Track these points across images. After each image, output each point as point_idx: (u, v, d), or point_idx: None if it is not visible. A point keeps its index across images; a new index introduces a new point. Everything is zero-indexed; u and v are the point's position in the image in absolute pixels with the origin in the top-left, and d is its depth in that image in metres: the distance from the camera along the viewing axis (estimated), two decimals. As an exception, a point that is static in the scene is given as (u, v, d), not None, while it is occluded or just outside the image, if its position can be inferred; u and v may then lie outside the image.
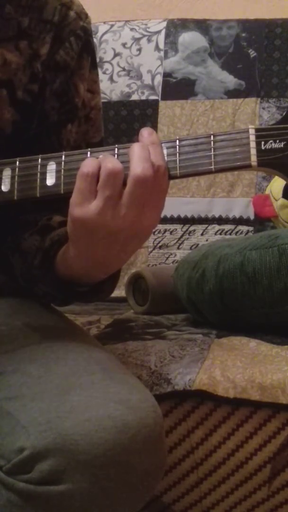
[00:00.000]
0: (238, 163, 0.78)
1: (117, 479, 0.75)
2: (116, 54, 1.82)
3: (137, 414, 0.77)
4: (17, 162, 0.82)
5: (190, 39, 1.80)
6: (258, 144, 0.77)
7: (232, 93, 1.75)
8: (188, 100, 1.77)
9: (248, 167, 0.78)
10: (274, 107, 1.72)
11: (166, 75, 1.79)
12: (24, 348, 0.87)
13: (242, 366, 1.06)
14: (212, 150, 0.78)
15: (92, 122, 1.01)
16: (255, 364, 1.06)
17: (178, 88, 1.78)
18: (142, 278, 1.49)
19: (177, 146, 0.79)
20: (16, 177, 0.81)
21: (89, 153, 0.80)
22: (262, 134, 0.77)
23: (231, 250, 1.24)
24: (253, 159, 0.77)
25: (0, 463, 0.77)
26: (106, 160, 0.77)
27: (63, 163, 0.80)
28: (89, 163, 0.77)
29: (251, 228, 1.69)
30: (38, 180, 0.81)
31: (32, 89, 0.96)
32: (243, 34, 1.77)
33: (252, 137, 0.77)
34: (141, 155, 0.76)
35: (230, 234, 1.70)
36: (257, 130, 0.78)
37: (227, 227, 1.71)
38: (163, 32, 1.81)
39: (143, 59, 1.80)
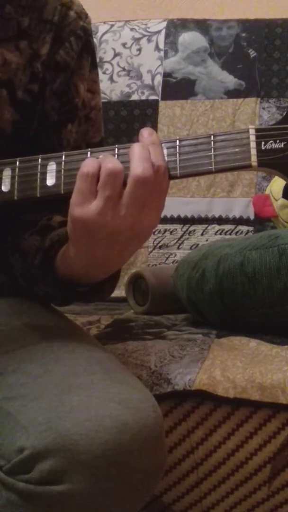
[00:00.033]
0: (238, 163, 0.78)
1: (117, 479, 0.75)
2: (116, 54, 1.82)
3: (137, 414, 0.77)
4: (17, 162, 0.82)
5: (190, 39, 1.80)
6: (258, 144, 0.77)
7: (232, 93, 1.75)
8: (188, 100, 1.77)
9: (248, 167, 0.78)
10: (274, 107, 1.72)
11: (166, 75, 1.79)
12: (24, 348, 0.87)
13: (242, 366, 1.06)
14: (212, 150, 0.78)
15: (92, 122, 1.01)
16: (255, 364, 1.06)
17: (178, 88, 1.78)
18: (142, 278, 1.49)
19: (177, 146, 0.79)
20: (16, 177, 0.81)
21: (89, 153, 0.80)
22: (262, 134, 0.77)
23: (231, 250, 1.24)
24: (253, 159, 0.77)
25: (0, 463, 0.77)
26: (106, 160, 0.77)
27: (63, 163, 0.80)
28: (89, 163, 0.77)
29: (251, 228, 1.69)
30: (38, 180, 0.81)
31: (32, 89, 0.96)
32: (243, 34, 1.77)
33: (252, 137, 0.77)
34: (141, 155, 0.76)
35: (230, 234, 1.70)
36: (257, 130, 0.78)
37: (227, 227, 1.71)
38: (163, 32, 1.81)
39: (143, 59, 1.80)
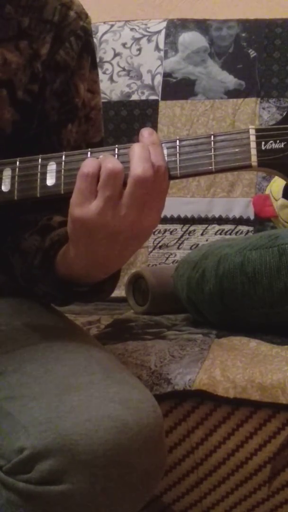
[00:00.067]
0: (238, 163, 0.78)
1: (117, 479, 0.75)
2: (116, 54, 1.82)
3: (137, 414, 0.77)
4: (17, 162, 0.82)
5: (190, 39, 1.80)
6: (258, 144, 0.77)
7: (232, 93, 1.75)
8: (188, 100, 1.77)
9: (248, 167, 0.78)
10: (274, 107, 1.72)
11: (166, 75, 1.79)
12: (24, 348, 0.87)
13: (242, 366, 1.06)
14: (213, 150, 0.78)
15: (92, 122, 1.01)
16: (255, 364, 1.06)
17: (178, 88, 1.78)
18: (142, 278, 1.49)
19: (177, 146, 0.79)
20: (16, 177, 0.81)
21: (89, 153, 0.80)
22: (263, 134, 0.77)
23: (231, 250, 1.24)
24: (254, 159, 0.77)
25: (0, 463, 0.77)
26: (107, 160, 0.77)
27: (63, 163, 0.80)
28: (89, 163, 0.77)
29: (251, 228, 1.69)
30: (38, 180, 0.81)
31: (32, 89, 0.96)
32: (243, 34, 1.77)
33: (253, 137, 0.77)
34: (142, 155, 0.76)
35: (230, 234, 1.70)
36: (257, 130, 0.78)
37: (227, 227, 1.71)
38: (163, 32, 1.81)
39: (143, 59, 1.80)
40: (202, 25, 1.80)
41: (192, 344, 1.15)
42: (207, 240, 1.69)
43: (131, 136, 1.73)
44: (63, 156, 0.81)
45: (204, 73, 1.77)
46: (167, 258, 1.71)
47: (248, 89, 1.74)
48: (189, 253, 1.50)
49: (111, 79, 1.80)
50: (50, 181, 0.81)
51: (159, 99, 1.78)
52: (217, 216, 1.72)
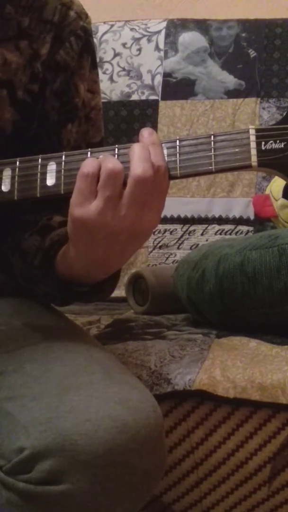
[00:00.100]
0: (238, 164, 0.78)
1: (117, 479, 0.75)
2: (116, 54, 1.82)
3: (137, 414, 0.77)
4: (17, 162, 0.82)
5: (190, 39, 1.80)
6: (258, 144, 0.77)
7: (232, 93, 1.75)
8: (188, 100, 1.77)
9: (248, 167, 0.78)
10: (274, 107, 1.72)
11: (166, 75, 1.79)
12: (24, 348, 0.87)
13: (242, 366, 1.06)
14: (213, 150, 0.78)
15: (92, 122, 1.01)
16: (255, 364, 1.06)
17: (178, 88, 1.78)
18: (142, 278, 1.49)
19: (177, 146, 0.79)
20: (16, 177, 0.81)
21: (89, 153, 0.80)
22: (263, 134, 0.77)
23: (231, 250, 1.24)
24: (254, 160, 0.77)
25: (0, 463, 0.77)
26: (107, 160, 0.77)
27: (63, 163, 0.80)
28: (89, 163, 0.77)
29: (251, 228, 1.69)
30: (38, 180, 0.81)
31: (32, 89, 0.96)
32: (243, 34, 1.77)
33: (253, 137, 0.77)
34: (142, 155, 0.76)
35: (230, 234, 1.70)
36: (257, 130, 0.78)
37: (227, 227, 1.71)
38: (163, 32, 1.81)
39: (143, 59, 1.80)
40: (202, 25, 1.80)
41: (192, 344, 1.15)
42: (207, 240, 1.69)
43: (131, 136, 1.74)
44: (63, 156, 0.81)
45: (204, 73, 1.77)
46: (167, 258, 1.71)
47: (248, 89, 1.74)
48: (189, 253, 1.50)
49: (111, 79, 1.80)
50: (50, 181, 0.81)
51: (159, 99, 1.78)
52: (217, 216, 1.72)
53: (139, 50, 1.81)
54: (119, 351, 1.12)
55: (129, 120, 1.78)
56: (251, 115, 1.73)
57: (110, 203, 0.76)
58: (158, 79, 1.79)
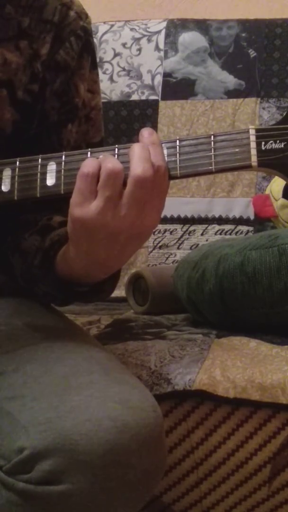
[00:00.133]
0: (238, 164, 0.78)
1: (117, 479, 0.75)
2: (116, 54, 1.82)
3: (137, 414, 0.77)
4: (17, 162, 0.82)
5: (190, 39, 1.80)
6: (258, 144, 0.77)
7: (232, 93, 1.75)
8: (188, 100, 1.77)
9: (248, 167, 0.78)
10: (274, 107, 1.72)
11: (166, 75, 1.79)
12: (24, 348, 0.87)
13: (242, 366, 1.06)
14: (213, 151, 0.78)
15: (92, 122, 1.01)
16: (255, 364, 1.06)
17: (178, 88, 1.78)
18: (142, 278, 1.49)
19: (177, 146, 0.79)
20: (16, 177, 0.81)
21: (89, 153, 0.80)
22: (263, 134, 0.77)
23: (231, 250, 1.24)
24: (254, 160, 0.77)
25: (0, 463, 0.77)
26: (106, 160, 0.77)
27: (63, 163, 0.80)
28: (89, 163, 0.77)
29: (251, 228, 1.69)
30: (38, 180, 0.81)
31: (32, 89, 0.96)
32: (243, 34, 1.77)
33: (253, 138, 0.77)
34: (141, 155, 0.76)
35: (230, 234, 1.70)
36: (257, 130, 0.78)
37: (227, 227, 1.71)
38: (163, 32, 1.81)
39: (143, 59, 1.80)
40: (202, 25, 1.80)
41: (192, 344, 1.15)
42: (207, 240, 1.69)
43: (131, 136, 1.74)
44: (63, 156, 0.81)
45: (204, 73, 1.77)
46: (167, 258, 1.71)
47: (248, 89, 1.74)
48: (189, 253, 1.50)
49: (111, 79, 1.80)
50: (50, 181, 0.81)
51: (159, 99, 1.78)
52: (217, 216, 1.72)
53: (139, 50, 1.81)
54: (119, 351, 1.12)
55: (129, 120, 1.78)
56: (251, 115, 1.73)
57: (110, 203, 0.76)
58: (158, 79, 1.79)
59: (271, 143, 0.77)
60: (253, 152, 0.77)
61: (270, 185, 1.59)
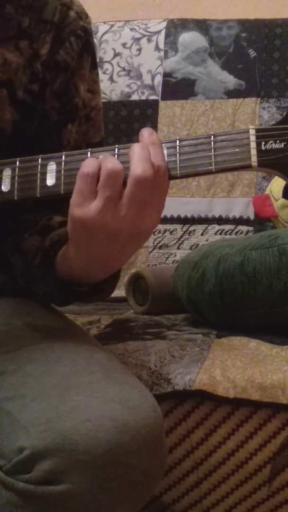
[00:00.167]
0: (238, 164, 0.78)
1: (117, 479, 0.75)
2: (116, 54, 1.82)
3: (137, 414, 0.77)
4: (17, 162, 0.82)
5: (190, 39, 1.80)
6: (258, 144, 0.77)
7: (232, 93, 1.75)
8: (188, 100, 1.77)
9: (248, 167, 0.78)
10: (274, 107, 1.72)
11: (166, 75, 1.79)
12: (24, 348, 0.87)
13: (242, 366, 1.06)
14: (213, 151, 0.78)
15: (92, 122, 1.01)
16: (255, 364, 1.06)
17: (178, 88, 1.78)
18: (142, 278, 1.49)
19: (177, 146, 0.79)
20: (16, 177, 0.81)
21: (89, 153, 0.80)
22: (263, 134, 0.77)
23: (231, 250, 1.24)
24: (254, 160, 0.77)
25: (0, 463, 0.77)
26: (106, 160, 0.77)
27: (63, 163, 0.80)
28: (89, 163, 0.77)
29: (251, 228, 1.69)
30: (38, 180, 0.81)
31: (32, 89, 0.96)
32: (243, 34, 1.77)
33: (253, 138, 0.77)
34: (141, 155, 0.76)
35: (230, 234, 1.70)
36: (257, 130, 0.78)
37: (227, 227, 1.71)
38: (163, 32, 1.81)
39: (143, 59, 1.81)
40: (202, 25, 1.80)
41: (192, 344, 1.15)
42: (207, 240, 1.69)
43: (131, 136, 1.74)
44: (63, 156, 0.81)
45: (204, 73, 1.77)
46: (167, 258, 1.71)
47: (248, 89, 1.74)
48: (189, 253, 1.50)
49: (111, 79, 1.80)
50: (50, 181, 0.81)
51: (159, 99, 1.78)
52: (217, 216, 1.72)
53: (139, 50, 1.81)
54: (119, 351, 1.12)
55: (129, 120, 1.78)
56: (251, 115, 1.73)
57: (110, 203, 0.76)
58: (158, 79, 1.79)
59: (271, 143, 0.77)
60: (253, 152, 0.77)
61: (270, 185, 1.59)
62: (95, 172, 0.77)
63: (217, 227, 1.71)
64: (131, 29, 1.83)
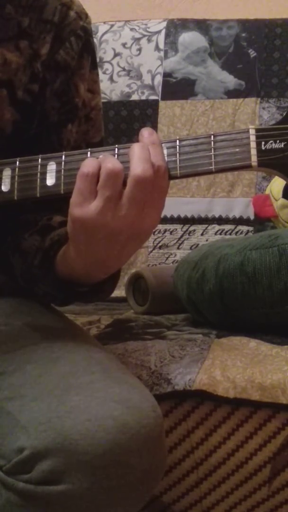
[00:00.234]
0: (238, 163, 0.78)
1: (117, 479, 0.75)
2: (116, 54, 1.82)
3: (137, 414, 0.77)
4: (17, 162, 0.82)
5: (190, 39, 1.80)
6: (258, 144, 0.77)
7: (232, 93, 1.75)
8: (188, 100, 1.77)
9: (248, 167, 0.78)
10: (274, 107, 1.72)
11: (166, 75, 1.79)
12: (24, 348, 0.87)
13: (242, 366, 1.06)
14: (212, 150, 0.78)
15: (92, 122, 1.01)
16: (255, 364, 1.06)
17: (178, 88, 1.78)
18: (142, 278, 1.49)
19: (177, 146, 0.79)
20: (16, 177, 0.81)
21: (89, 153, 0.80)
22: (263, 134, 0.77)
23: (231, 250, 1.24)
24: (254, 159, 0.77)
25: (0, 463, 0.77)
26: (106, 160, 0.77)
27: (63, 163, 0.80)
28: (89, 163, 0.77)
29: (251, 228, 1.69)
30: (38, 180, 0.81)
31: (32, 89, 0.96)
32: (243, 34, 1.77)
33: (253, 137, 0.77)
34: (141, 155, 0.76)
35: (230, 234, 1.70)
36: (257, 130, 0.78)
37: (227, 227, 1.71)
38: (163, 32, 1.81)
39: (143, 59, 1.81)
40: (202, 25, 1.81)
41: (192, 344, 1.15)
42: (207, 240, 1.69)
43: (131, 136, 1.74)
44: (63, 156, 0.81)
45: (204, 73, 1.77)
46: (167, 258, 1.71)
47: (248, 89, 1.74)
48: (189, 253, 1.50)
49: (111, 79, 1.80)
50: (50, 181, 0.81)
51: (159, 99, 1.78)
52: (217, 216, 1.72)
53: (139, 50, 1.81)
54: (119, 351, 1.12)
55: (129, 120, 1.78)
56: (251, 115, 1.73)
57: (110, 203, 0.76)
58: (158, 79, 1.79)
59: (271, 143, 0.77)
60: (253, 152, 0.77)
61: (270, 185, 1.59)
62: (95, 172, 0.77)
63: (217, 227, 1.71)
64: (131, 29, 1.83)
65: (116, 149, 0.79)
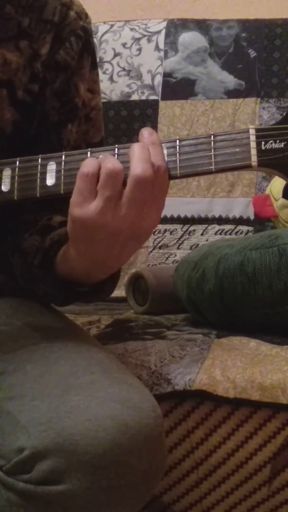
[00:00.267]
0: (238, 163, 0.78)
1: (117, 479, 0.75)
2: (116, 54, 1.82)
3: (137, 414, 0.77)
4: (17, 162, 0.82)
5: (190, 39, 1.80)
6: (258, 144, 0.77)
7: (232, 93, 1.75)
8: (188, 100, 1.77)
9: (248, 167, 0.78)
10: (274, 107, 1.72)
11: (166, 75, 1.79)
12: (24, 348, 0.87)
13: (242, 366, 1.06)
14: (212, 150, 0.78)
15: (92, 122, 1.01)
16: (255, 364, 1.06)
17: (178, 88, 1.78)
18: (142, 278, 1.49)
19: (177, 146, 0.79)
20: (16, 177, 0.81)
21: (89, 153, 0.80)
22: (263, 134, 0.77)
23: (231, 250, 1.24)
24: (254, 159, 0.77)
25: (0, 463, 0.77)
26: (106, 160, 0.77)
27: (63, 163, 0.80)
28: (89, 163, 0.77)
29: (251, 228, 1.69)
30: (38, 180, 0.81)
31: (32, 89, 0.96)
32: (243, 34, 1.77)
33: (253, 137, 0.77)
34: (141, 155, 0.76)
35: (230, 234, 1.70)
36: (257, 130, 0.78)
37: (227, 227, 1.71)
38: (163, 32, 1.81)
39: (143, 59, 1.81)
40: (202, 25, 1.80)
41: (192, 344, 1.15)
42: (207, 240, 1.69)
43: (131, 136, 1.74)
44: (63, 156, 0.81)
45: (204, 73, 1.77)
46: (167, 258, 1.71)
47: (248, 89, 1.74)
48: (189, 253, 1.50)
49: (111, 79, 1.80)
50: (50, 181, 0.81)
51: (159, 99, 1.78)
52: (217, 216, 1.72)
53: (139, 50, 1.81)
54: (119, 351, 1.12)
55: (129, 120, 1.78)
56: (251, 115, 1.73)
57: (110, 203, 0.76)
58: (158, 79, 1.79)
59: (271, 143, 0.77)
60: (253, 152, 0.77)
61: (270, 185, 1.59)
62: (95, 172, 0.77)
63: (217, 227, 1.71)
64: (131, 29, 1.83)
65: (116, 149, 0.79)
